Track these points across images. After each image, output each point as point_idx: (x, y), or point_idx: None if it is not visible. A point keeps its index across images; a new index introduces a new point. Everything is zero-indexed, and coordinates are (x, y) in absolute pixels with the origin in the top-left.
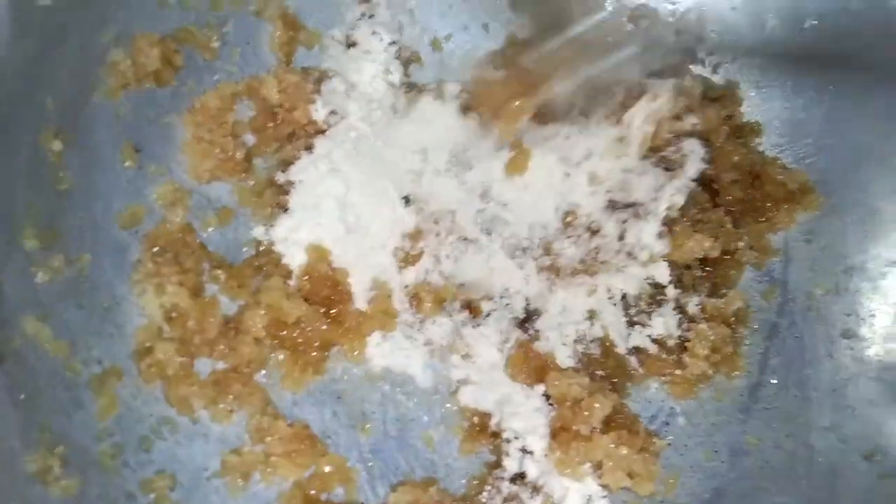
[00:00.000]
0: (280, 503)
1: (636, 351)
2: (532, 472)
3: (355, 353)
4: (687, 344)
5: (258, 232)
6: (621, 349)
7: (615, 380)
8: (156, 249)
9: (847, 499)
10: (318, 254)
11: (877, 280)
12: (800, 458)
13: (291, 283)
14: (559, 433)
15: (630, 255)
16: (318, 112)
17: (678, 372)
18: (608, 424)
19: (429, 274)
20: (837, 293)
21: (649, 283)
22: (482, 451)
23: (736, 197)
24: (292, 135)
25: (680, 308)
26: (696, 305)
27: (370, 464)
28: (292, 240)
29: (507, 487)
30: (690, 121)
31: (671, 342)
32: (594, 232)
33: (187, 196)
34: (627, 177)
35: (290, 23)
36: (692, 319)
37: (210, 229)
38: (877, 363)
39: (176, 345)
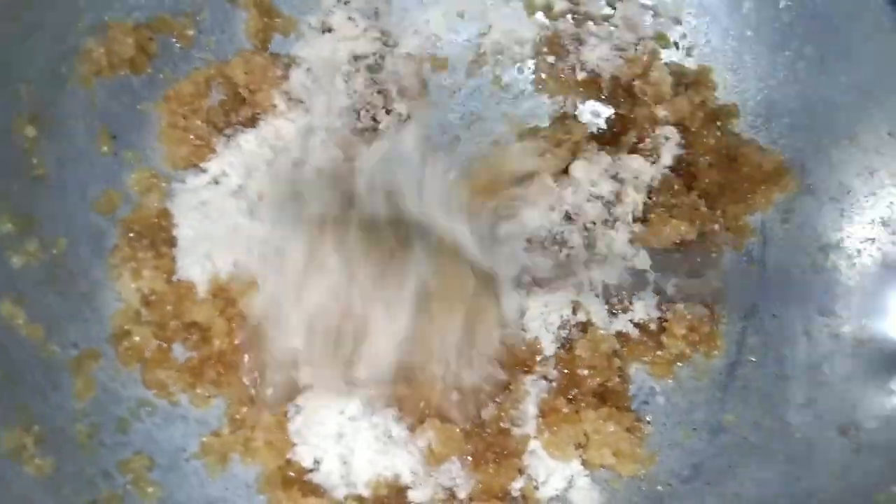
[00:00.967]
0: (259, 484)
1: (619, 335)
2: None
3: None
4: (665, 324)
5: None
6: (605, 333)
7: None
8: (132, 234)
9: (823, 472)
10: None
11: (853, 257)
12: (777, 434)
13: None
14: (549, 414)
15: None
16: (278, 98)
17: (658, 353)
18: (601, 399)
19: None
20: (814, 271)
21: (629, 272)
22: None
23: (713, 180)
24: (255, 118)
25: (658, 290)
26: (674, 286)
27: None
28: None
29: None
30: (662, 112)
31: (652, 325)
32: (561, 244)
33: (164, 182)
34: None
35: (265, 9)
36: (671, 300)
37: None
38: (852, 339)
39: (153, 328)
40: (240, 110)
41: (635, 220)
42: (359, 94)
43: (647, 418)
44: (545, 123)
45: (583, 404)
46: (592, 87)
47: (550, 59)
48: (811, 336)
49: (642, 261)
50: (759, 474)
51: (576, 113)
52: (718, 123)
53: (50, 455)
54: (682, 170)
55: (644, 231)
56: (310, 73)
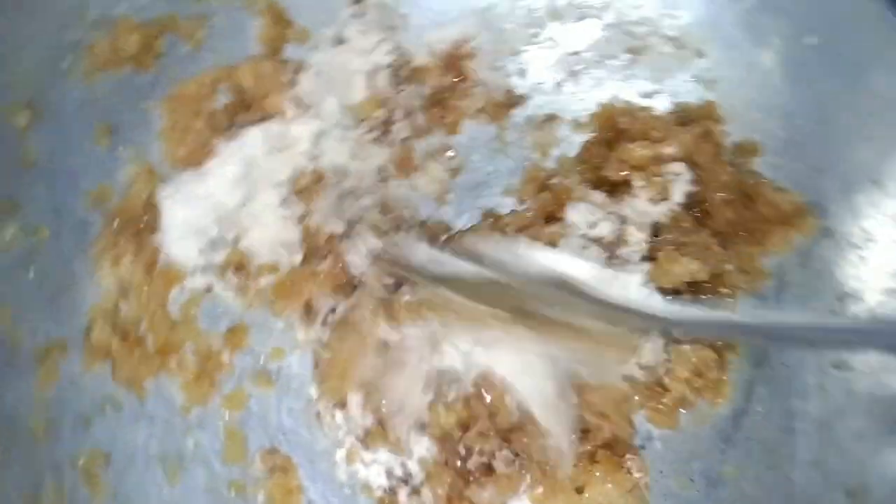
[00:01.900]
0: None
1: (626, 379)
2: None
3: None
4: (668, 365)
5: None
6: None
7: None
8: (116, 224)
9: None
10: None
11: (872, 309)
12: (779, 492)
13: None
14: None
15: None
16: (287, 104)
17: (663, 399)
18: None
19: None
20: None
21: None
22: None
23: (728, 218)
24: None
25: (666, 332)
26: (683, 329)
27: None
28: None
29: None
30: (668, 150)
31: (659, 368)
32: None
33: (159, 179)
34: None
35: (278, 18)
36: (678, 342)
37: None
38: (868, 396)
39: (129, 324)
40: (245, 114)
41: (642, 259)
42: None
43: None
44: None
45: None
46: None
47: None
48: (824, 390)
49: (652, 302)
50: None
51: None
52: (739, 160)
53: None
54: (696, 207)
55: (653, 269)
56: (320, 77)
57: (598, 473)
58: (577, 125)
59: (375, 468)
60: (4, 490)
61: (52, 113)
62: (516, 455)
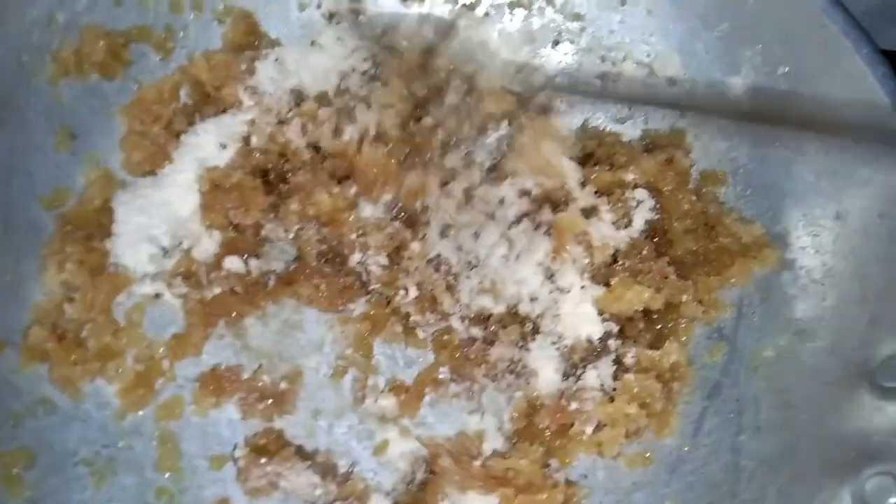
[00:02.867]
0: None
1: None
2: None
3: None
4: (615, 394)
5: None
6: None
7: None
8: (68, 228)
9: None
10: None
11: (828, 347)
12: None
13: None
14: None
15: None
16: (243, 93)
17: (607, 429)
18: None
19: None
20: (786, 357)
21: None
22: None
23: (688, 247)
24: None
25: (619, 360)
26: (633, 357)
27: None
28: None
29: None
30: (629, 176)
31: (604, 395)
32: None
33: (118, 186)
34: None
35: (251, 29)
36: (627, 371)
37: None
38: (813, 437)
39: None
40: (203, 109)
41: (596, 282)
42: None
43: (583, 492)
44: None
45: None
46: None
47: None
48: (772, 427)
49: (595, 330)
50: None
51: None
52: (703, 189)
53: None
54: (657, 235)
55: (605, 295)
56: (278, 64)
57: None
58: None
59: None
60: None
61: (14, 115)
62: None
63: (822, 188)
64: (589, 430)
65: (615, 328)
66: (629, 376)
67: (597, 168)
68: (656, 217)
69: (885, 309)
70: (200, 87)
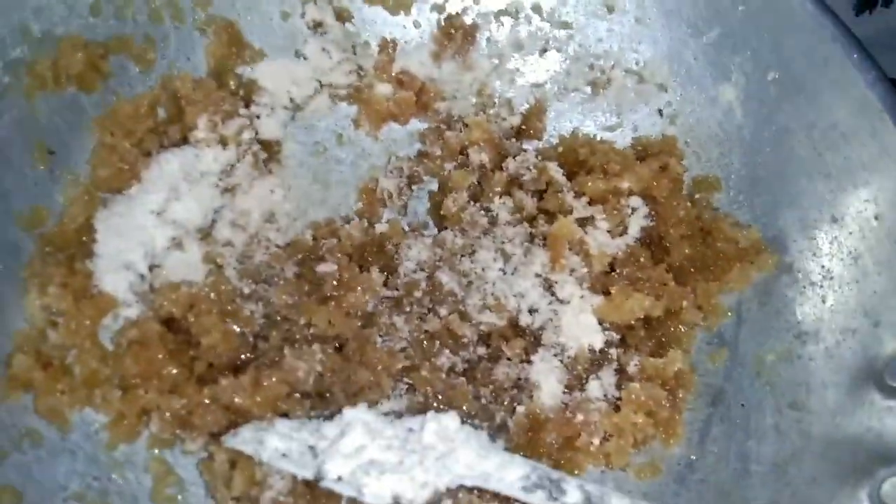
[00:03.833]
0: None
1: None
2: None
3: None
4: (619, 403)
5: None
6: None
7: None
8: (48, 249)
9: None
10: None
11: (831, 349)
12: None
13: None
14: None
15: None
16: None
17: (614, 438)
18: None
19: None
20: (789, 360)
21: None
22: None
23: (685, 254)
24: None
25: (621, 369)
26: (636, 366)
27: None
28: None
29: None
30: (624, 184)
31: (608, 405)
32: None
33: (97, 203)
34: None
35: (234, 39)
36: (631, 380)
37: None
38: (824, 439)
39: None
40: (170, 129)
41: (595, 292)
42: None
43: None
44: None
45: None
46: None
47: None
48: (780, 431)
49: (597, 339)
50: None
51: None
52: (697, 196)
53: None
54: (653, 243)
55: (605, 304)
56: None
57: None
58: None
59: None
60: None
61: None
62: None
63: (816, 192)
64: (596, 441)
65: (616, 337)
66: (634, 385)
67: (590, 177)
68: (651, 224)
69: (886, 310)
70: (177, 102)
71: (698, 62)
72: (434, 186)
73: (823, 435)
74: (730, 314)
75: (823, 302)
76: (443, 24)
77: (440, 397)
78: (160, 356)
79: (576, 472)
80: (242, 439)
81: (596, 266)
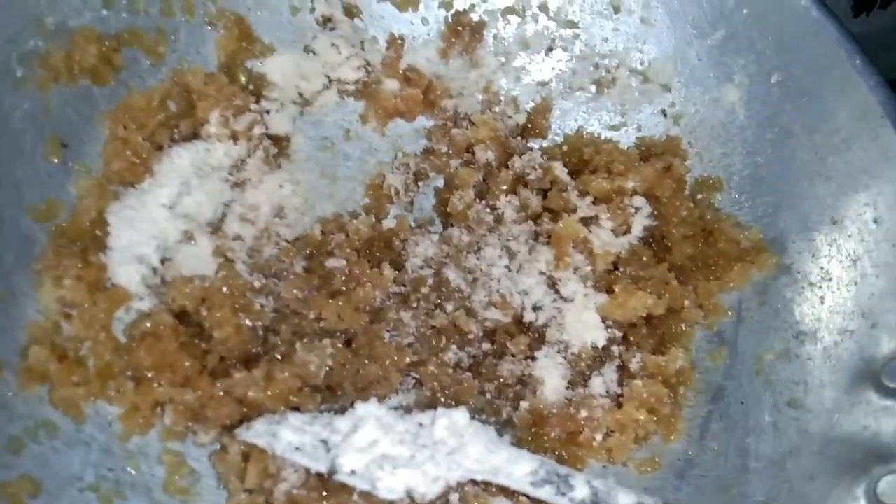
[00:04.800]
0: None
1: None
2: None
3: None
4: (621, 399)
5: None
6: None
7: None
8: (62, 242)
9: None
10: None
11: (829, 349)
12: None
13: None
14: None
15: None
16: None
17: (615, 434)
18: None
19: None
20: (788, 359)
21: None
22: None
23: (687, 253)
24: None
25: (623, 366)
26: (638, 363)
27: None
28: None
29: None
30: (628, 184)
31: (610, 402)
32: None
33: (110, 196)
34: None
35: (244, 34)
36: (632, 377)
37: None
38: (821, 437)
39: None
40: (181, 124)
41: (598, 290)
42: None
43: None
44: None
45: None
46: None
47: None
48: (778, 429)
49: (599, 336)
50: None
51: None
52: (699, 196)
53: None
54: (655, 242)
55: (608, 302)
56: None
57: None
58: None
59: None
60: None
61: (1, 122)
62: None
63: (816, 194)
64: (599, 436)
65: (618, 334)
66: (637, 382)
67: (595, 176)
68: (654, 224)
69: (884, 312)
70: (188, 96)
71: (702, 63)
72: (440, 183)
73: (821, 433)
74: (730, 313)
75: (822, 303)
76: (450, 20)
77: (447, 392)
78: (173, 349)
79: (578, 466)
80: (256, 432)
81: (599, 264)
